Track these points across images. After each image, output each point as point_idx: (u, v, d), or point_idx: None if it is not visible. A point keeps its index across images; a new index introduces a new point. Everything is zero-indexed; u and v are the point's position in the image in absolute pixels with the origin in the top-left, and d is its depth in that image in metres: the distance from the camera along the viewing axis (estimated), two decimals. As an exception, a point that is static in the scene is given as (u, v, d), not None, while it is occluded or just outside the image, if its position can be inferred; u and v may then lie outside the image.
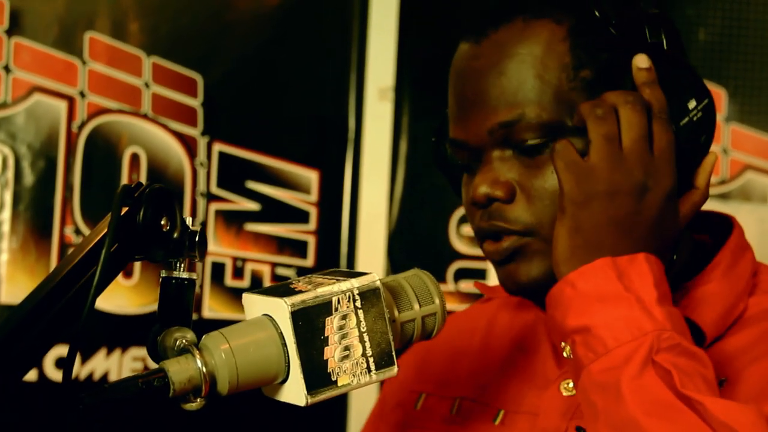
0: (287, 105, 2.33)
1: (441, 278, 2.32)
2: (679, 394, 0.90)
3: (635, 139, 0.98)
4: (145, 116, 2.23)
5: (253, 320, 0.89)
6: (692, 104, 1.03)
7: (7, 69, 2.12)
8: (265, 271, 2.30)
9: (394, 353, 0.91)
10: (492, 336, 1.24)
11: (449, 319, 1.36)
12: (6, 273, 2.11)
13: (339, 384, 0.88)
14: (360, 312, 0.89)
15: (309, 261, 2.32)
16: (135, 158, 2.21)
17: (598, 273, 0.96)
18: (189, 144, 2.26)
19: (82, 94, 2.18)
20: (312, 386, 0.87)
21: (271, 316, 0.88)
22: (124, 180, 2.20)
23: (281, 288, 0.90)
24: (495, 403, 1.16)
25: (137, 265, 2.20)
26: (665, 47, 1.05)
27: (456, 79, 1.09)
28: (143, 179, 2.21)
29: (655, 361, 0.92)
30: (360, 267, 2.37)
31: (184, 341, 0.87)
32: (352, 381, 0.89)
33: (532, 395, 1.13)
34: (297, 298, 0.87)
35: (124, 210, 0.84)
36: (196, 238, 0.89)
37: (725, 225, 1.14)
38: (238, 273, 2.28)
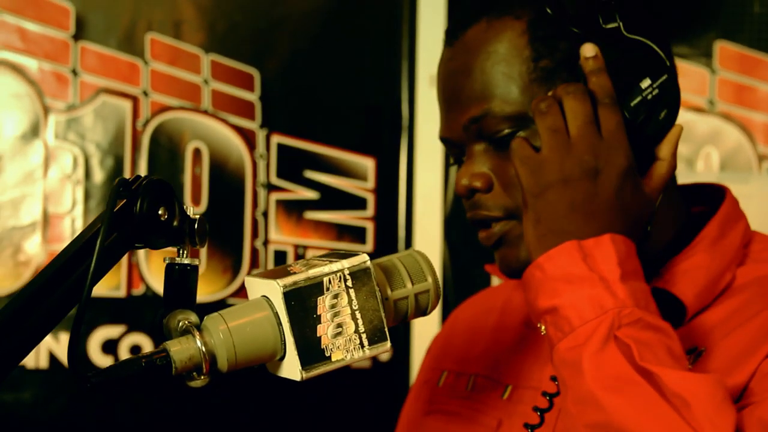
0: (342, 95, 2.38)
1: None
2: (637, 366, 0.92)
3: (580, 125, 1.01)
4: (205, 112, 2.30)
5: (251, 301, 0.95)
6: (646, 83, 1.05)
7: (74, 72, 2.22)
8: (326, 257, 2.36)
9: (386, 329, 0.95)
10: (506, 314, 1.27)
11: (473, 298, 1.41)
12: (81, 266, 2.21)
13: (333, 359, 0.93)
14: (351, 291, 0.94)
15: (368, 246, 2.37)
16: (197, 153, 2.29)
17: (564, 255, 0.98)
18: (248, 137, 2.33)
19: (145, 93, 2.26)
20: (306, 362, 0.92)
21: (268, 297, 0.93)
22: (188, 174, 2.28)
23: (279, 271, 0.95)
24: (504, 378, 1.19)
25: (204, 255, 2.29)
26: (622, 30, 1.06)
27: (438, 80, 1.14)
28: (205, 173, 2.29)
29: (617, 336, 0.94)
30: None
31: (186, 322, 0.92)
32: (345, 356, 0.93)
33: (538, 371, 1.16)
34: (289, 280, 0.92)
35: (122, 202, 0.90)
36: (196, 226, 0.95)
37: (719, 196, 1.15)
38: (299, 260, 2.34)
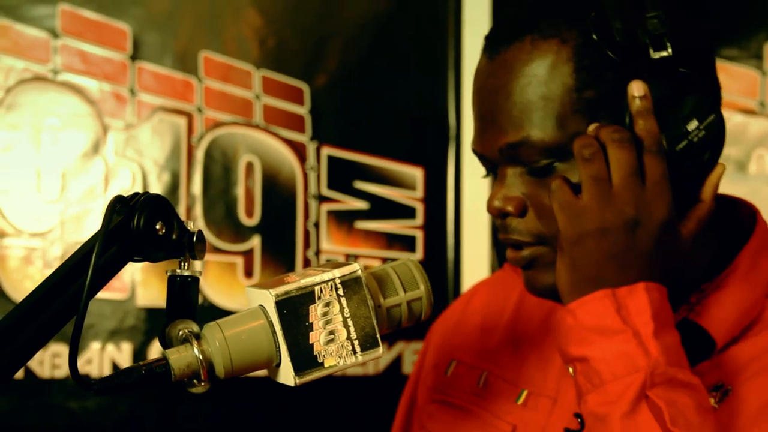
0: (389, 107, 2.42)
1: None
2: (667, 431, 0.92)
3: (623, 176, 0.99)
4: (257, 126, 2.36)
5: (248, 311, 0.99)
6: (693, 125, 1.01)
7: (132, 92, 2.30)
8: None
9: (378, 336, 0.99)
10: (523, 311, 1.27)
11: (487, 283, 1.40)
12: (141, 278, 2.29)
13: (326, 365, 0.97)
14: (342, 299, 0.97)
15: (418, 254, 2.40)
16: (250, 166, 2.35)
17: (598, 305, 0.98)
18: (299, 150, 2.38)
19: (200, 110, 2.33)
20: (299, 368, 0.96)
21: (263, 306, 0.98)
22: (241, 187, 2.35)
23: (274, 281, 0.99)
24: (519, 382, 1.19)
25: (257, 266, 2.34)
26: (673, 61, 1.01)
27: (474, 91, 1.11)
28: (258, 185, 2.35)
29: (648, 396, 0.94)
30: (465, 257, 2.44)
31: (186, 331, 0.96)
32: (338, 362, 0.97)
33: (553, 379, 1.16)
34: (281, 289, 0.96)
35: (119, 218, 0.95)
36: (194, 239, 1.00)
37: (750, 217, 1.13)
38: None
